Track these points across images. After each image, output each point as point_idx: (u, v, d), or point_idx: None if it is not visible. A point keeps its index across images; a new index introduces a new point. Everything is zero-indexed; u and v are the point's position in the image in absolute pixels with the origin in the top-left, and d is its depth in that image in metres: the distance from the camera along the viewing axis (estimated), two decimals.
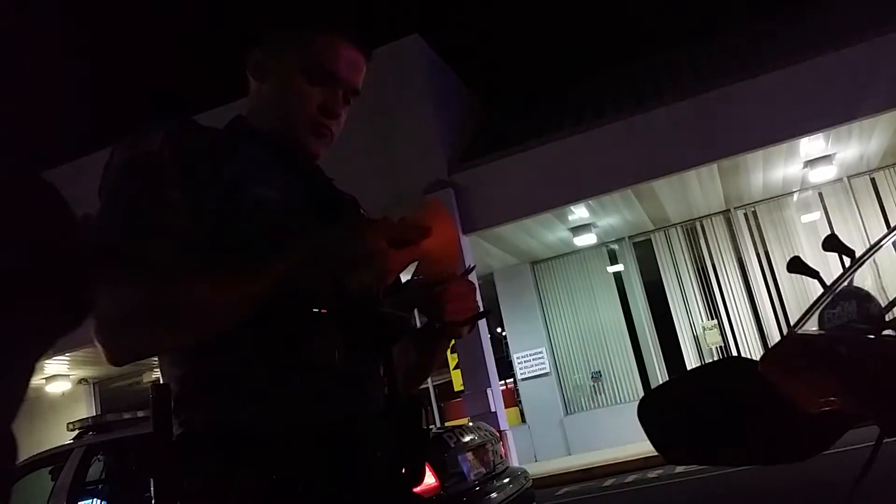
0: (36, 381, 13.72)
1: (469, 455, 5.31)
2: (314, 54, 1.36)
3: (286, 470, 1.16)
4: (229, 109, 1.46)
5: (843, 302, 1.42)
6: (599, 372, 13.14)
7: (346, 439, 1.20)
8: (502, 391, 11.39)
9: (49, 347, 0.65)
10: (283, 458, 1.16)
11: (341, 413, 1.21)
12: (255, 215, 1.22)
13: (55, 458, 5.65)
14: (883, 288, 10.26)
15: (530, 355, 13.33)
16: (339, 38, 1.39)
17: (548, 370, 13.21)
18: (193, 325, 1.15)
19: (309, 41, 1.37)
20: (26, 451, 7.23)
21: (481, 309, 1.42)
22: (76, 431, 5.86)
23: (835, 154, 10.84)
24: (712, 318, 12.68)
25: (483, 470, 5.39)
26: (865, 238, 11.42)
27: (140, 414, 5.74)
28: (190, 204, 1.18)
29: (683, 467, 7.91)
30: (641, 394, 12.36)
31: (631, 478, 9.30)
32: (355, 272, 1.13)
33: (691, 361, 12.53)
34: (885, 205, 11.88)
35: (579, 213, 11.53)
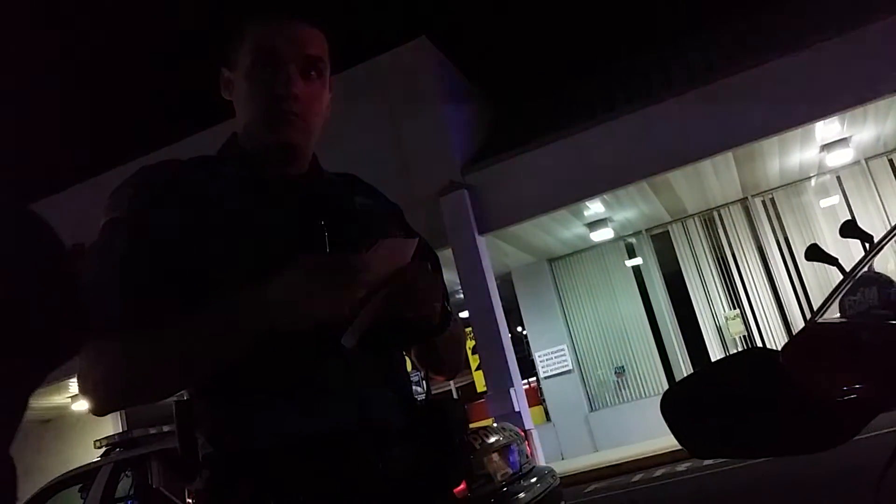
0: (61, 399, 13.87)
1: (495, 456, 5.30)
2: (254, 44, 1.34)
3: (278, 487, 1.17)
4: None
5: (864, 288, 1.40)
6: (623, 367, 13.07)
7: (339, 453, 1.19)
8: (525, 390, 11.36)
9: (44, 379, 0.66)
10: (275, 475, 1.18)
11: (331, 427, 1.20)
12: (228, 251, 1.23)
13: (84, 475, 5.71)
14: None
15: (552, 353, 13.28)
16: (272, 18, 1.36)
17: (570, 367, 13.15)
18: (161, 384, 1.20)
19: (249, 36, 1.35)
20: (55, 469, 7.30)
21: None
22: (103, 448, 5.91)
23: (851, 137, 10.73)
24: (734, 308, 12.58)
25: (509, 470, 5.38)
26: (886, 220, 11.29)
27: (166, 429, 5.78)
28: (160, 260, 1.21)
29: (712, 460, 7.85)
30: (666, 387, 12.28)
31: (659, 472, 9.25)
32: (289, 317, 1.14)
33: (715, 352, 12.43)
34: None
35: (595, 208, 11.48)
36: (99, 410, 1.19)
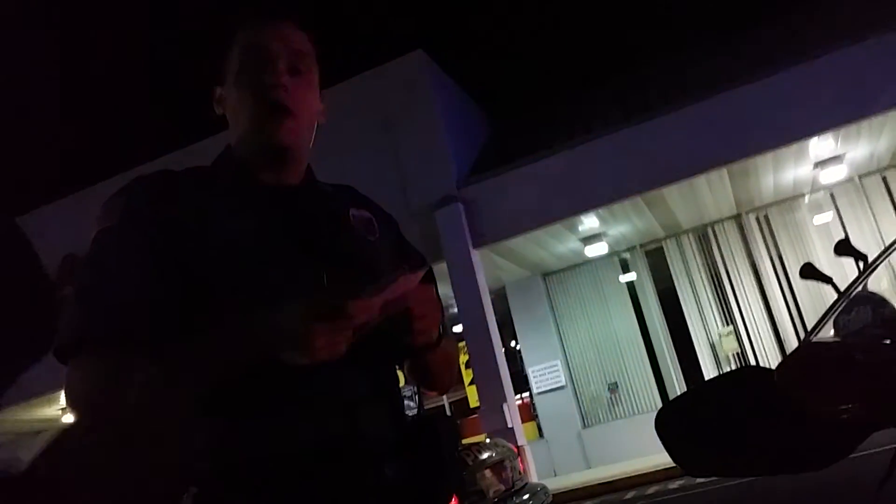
0: (52, 411, 13.78)
1: (488, 472, 5.27)
2: (240, 48, 1.35)
3: (266, 502, 1.16)
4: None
5: (858, 307, 1.40)
6: (616, 383, 13.05)
7: (328, 469, 1.18)
8: (518, 406, 11.34)
9: (10, 384, 0.66)
10: (263, 490, 1.16)
11: (321, 443, 1.19)
12: (221, 262, 1.22)
13: None
14: None
15: (545, 368, 13.25)
16: (256, 20, 1.37)
17: (563, 383, 13.12)
18: (144, 410, 1.18)
19: (235, 45, 1.36)
20: None
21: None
22: None
23: (845, 154, 10.78)
24: (728, 325, 12.58)
25: (502, 487, 5.35)
26: (880, 237, 11.34)
27: None
28: (152, 271, 1.20)
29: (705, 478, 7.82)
30: (659, 404, 12.29)
31: (652, 489, 9.22)
32: (286, 354, 1.12)
33: (708, 369, 12.43)
34: None
35: (589, 222, 11.50)
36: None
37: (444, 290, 10.63)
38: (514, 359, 14.25)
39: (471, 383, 12.37)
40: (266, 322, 1.13)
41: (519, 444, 9.63)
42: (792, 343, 11.72)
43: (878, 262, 1.39)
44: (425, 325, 1.25)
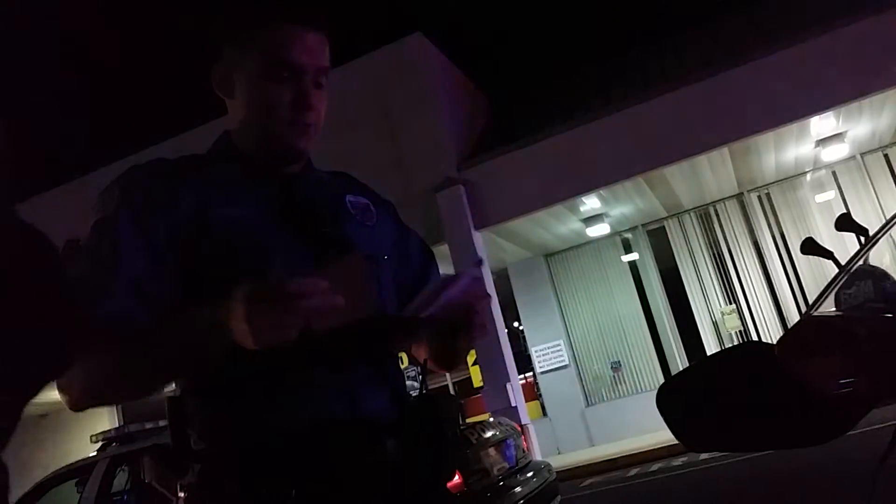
0: (58, 394, 13.83)
1: (492, 450, 5.30)
2: (269, 51, 1.30)
3: (268, 482, 1.17)
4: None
5: (859, 282, 1.41)
6: (619, 362, 13.09)
7: (329, 448, 1.19)
8: (522, 385, 11.38)
9: (41, 388, 0.67)
10: (265, 470, 1.18)
11: (322, 422, 1.20)
12: (218, 250, 1.23)
13: (80, 470, 5.70)
14: None
15: (548, 348, 13.30)
16: (289, 25, 1.32)
17: (567, 362, 13.17)
18: (129, 389, 1.24)
19: (261, 40, 1.31)
20: (52, 463, 7.29)
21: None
22: (100, 443, 5.90)
23: (846, 132, 10.74)
24: (730, 303, 12.60)
25: (506, 465, 5.38)
26: (881, 215, 11.30)
27: (162, 423, 5.76)
28: (148, 260, 1.21)
29: (708, 454, 7.86)
30: (662, 382, 12.32)
31: (655, 466, 9.27)
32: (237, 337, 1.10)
33: (710, 347, 12.45)
34: None
35: (591, 203, 11.48)
36: (73, 406, 1.20)
37: (447, 272, 10.61)
38: (518, 339, 14.28)
39: (474, 363, 12.40)
40: (220, 306, 1.11)
41: (523, 422, 9.67)
42: (794, 320, 11.70)
43: (879, 236, 1.40)
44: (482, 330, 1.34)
